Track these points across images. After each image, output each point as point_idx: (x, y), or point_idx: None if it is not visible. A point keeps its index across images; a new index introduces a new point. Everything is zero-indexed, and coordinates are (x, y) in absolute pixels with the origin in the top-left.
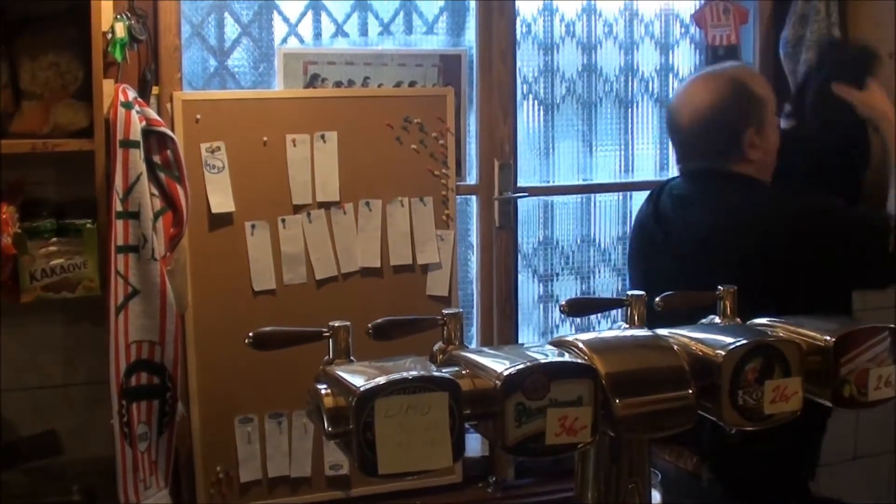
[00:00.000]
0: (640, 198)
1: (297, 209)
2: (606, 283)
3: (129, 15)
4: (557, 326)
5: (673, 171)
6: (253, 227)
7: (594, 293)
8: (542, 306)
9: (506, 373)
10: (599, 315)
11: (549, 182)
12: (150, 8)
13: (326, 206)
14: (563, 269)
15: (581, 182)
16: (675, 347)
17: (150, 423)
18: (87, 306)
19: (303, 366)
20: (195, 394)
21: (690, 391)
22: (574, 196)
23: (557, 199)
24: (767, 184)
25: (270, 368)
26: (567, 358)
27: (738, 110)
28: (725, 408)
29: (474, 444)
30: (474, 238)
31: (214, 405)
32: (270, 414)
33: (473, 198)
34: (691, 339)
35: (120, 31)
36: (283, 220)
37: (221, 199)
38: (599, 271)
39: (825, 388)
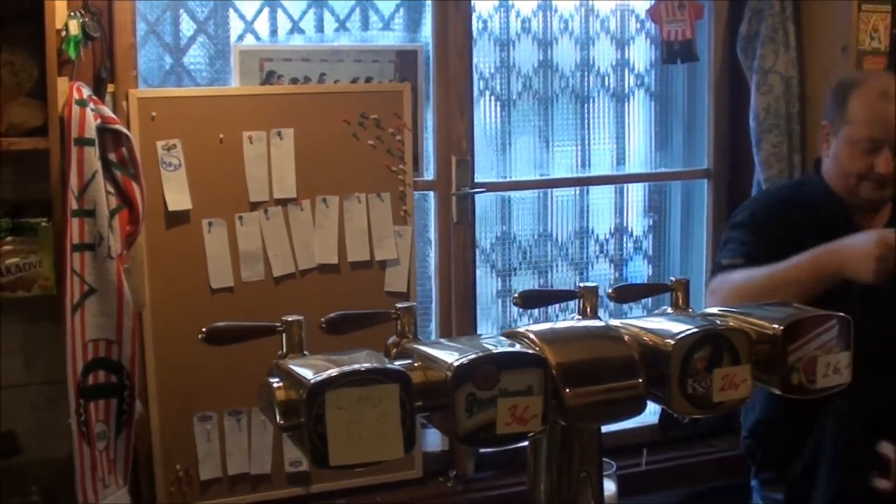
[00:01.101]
0: (596, 192)
1: (255, 206)
2: (564, 278)
3: (83, 13)
4: (516, 321)
5: (630, 165)
6: (210, 224)
7: (552, 287)
8: (500, 301)
9: (456, 363)
10: (559, 308)
11: (506, 178)
12: (104, 6)
13: (283, 202)
14: (521, 264)
15: (538, 177)
16: (626, 337)
17: (108, 422)
18: (44, 305)
19: (262, 363)
20: (154, 392)
21: (640, 380)
22: (531, 191)
23: (515, 195)
24: (831, 187)
25: (229, 366)
26: (517, 348)
27: (832, 101)
28: (675, 396)
29: (434, 439)
30: (432, 234)
31: (173, 403)
32: (229, 411)
33: (431, 193)
34: (642, 329)
35: (74, 28)
36: (241, 218)
37: (178, 197)
38: (557, 266)
39: (774, 375)
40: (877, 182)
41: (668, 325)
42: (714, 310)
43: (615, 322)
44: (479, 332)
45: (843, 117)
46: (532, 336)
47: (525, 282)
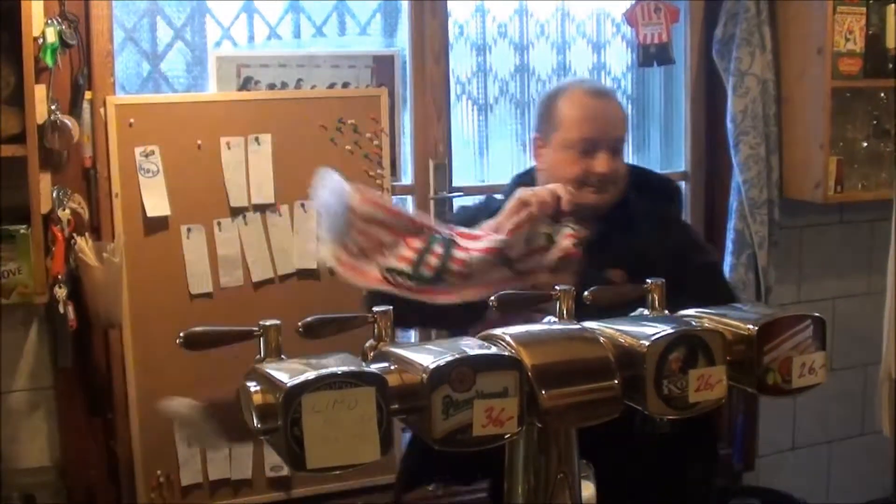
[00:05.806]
0: None
1: (233, 212)
2: None
3: (59, 20)
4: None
5: None
6: (189, 230)
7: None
8: None
9: (432, 366)
10: None
11: (484, 182)
12: (81, 13)
13: (262, 208)
14: None
15: None
16: (602, 339)
17: None
18: (23, 312)
19: (242, 368)
20: (134, 398)
21: (616, 381)
22: None
23: None
24: None
25: (209, 371)
26: (493, 350)
27: (539, 111)
28: (650, 397)
29: None
30: None
31: (153, 408)
32: None
33: (409, 198)
34: (618, 330)
35: (51, 36)
36: (219, 223)
37: (157, 203)
38: None
39: (750, 376)
40: (597, 185)
41: (643, 327)
42: (690, 311)
43: (591, 324)
44: None
45: (553, 123)
46: (508, 338)
47: None
